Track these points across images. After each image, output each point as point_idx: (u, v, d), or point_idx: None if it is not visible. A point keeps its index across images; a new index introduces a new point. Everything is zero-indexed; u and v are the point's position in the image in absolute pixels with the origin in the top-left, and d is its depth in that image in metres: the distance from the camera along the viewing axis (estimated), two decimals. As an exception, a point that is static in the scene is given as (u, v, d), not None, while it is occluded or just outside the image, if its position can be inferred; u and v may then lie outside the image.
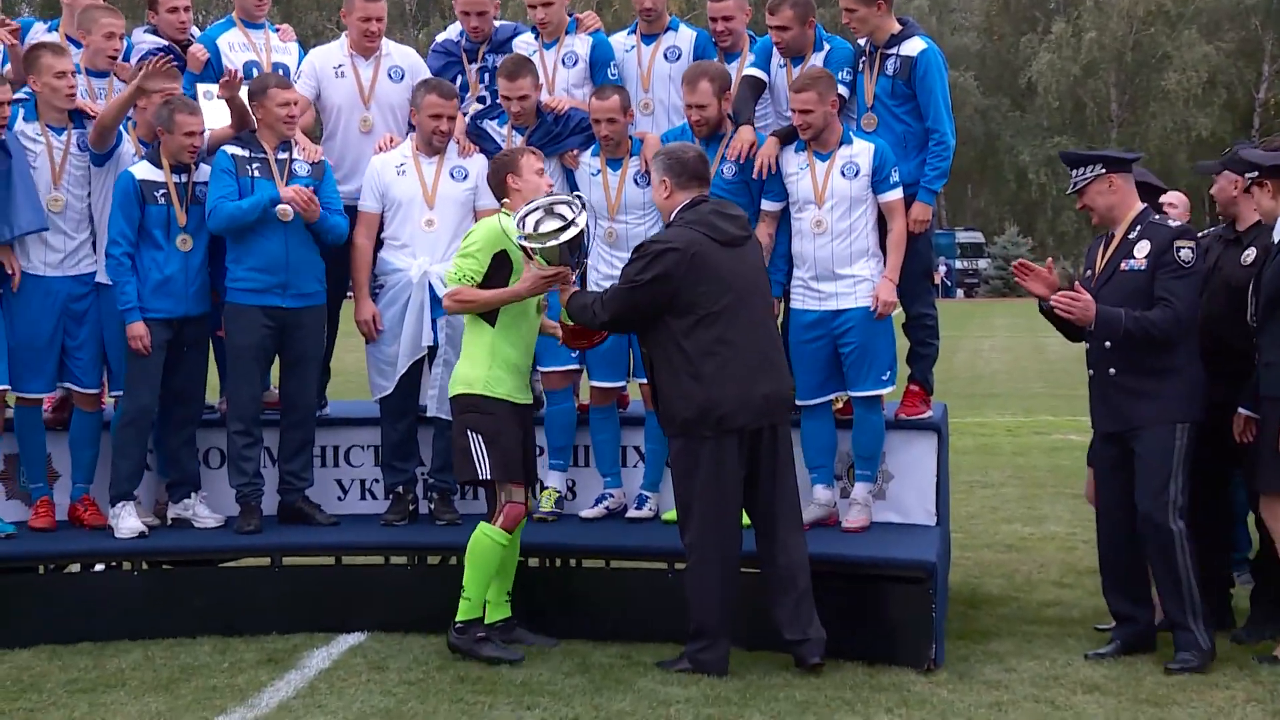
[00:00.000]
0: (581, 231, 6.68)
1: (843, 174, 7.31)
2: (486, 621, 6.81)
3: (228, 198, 7.42)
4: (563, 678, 6.51)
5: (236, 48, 8.18)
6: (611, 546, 7.46)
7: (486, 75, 8.21)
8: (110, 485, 7.52)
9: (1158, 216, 6.74)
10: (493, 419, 6.73)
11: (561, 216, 6.62)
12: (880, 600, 6.82)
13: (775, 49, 7.71)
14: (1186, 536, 6.58)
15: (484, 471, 6.71)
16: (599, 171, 7.70)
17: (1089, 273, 6.86)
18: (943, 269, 52.86)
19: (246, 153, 7.55)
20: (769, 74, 7.77)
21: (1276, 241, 6.64)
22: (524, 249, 6.68)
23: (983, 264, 59.19)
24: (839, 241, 7.32)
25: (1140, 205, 6.73)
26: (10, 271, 7.28)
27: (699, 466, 6.45)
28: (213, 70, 8.04)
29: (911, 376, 7.81)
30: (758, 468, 6.55)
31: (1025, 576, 8.66)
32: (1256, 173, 6.81)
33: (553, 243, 6.58)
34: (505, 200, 6.92)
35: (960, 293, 57.12)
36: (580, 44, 8.14)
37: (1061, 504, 10.57)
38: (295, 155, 7.65)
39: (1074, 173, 6.79)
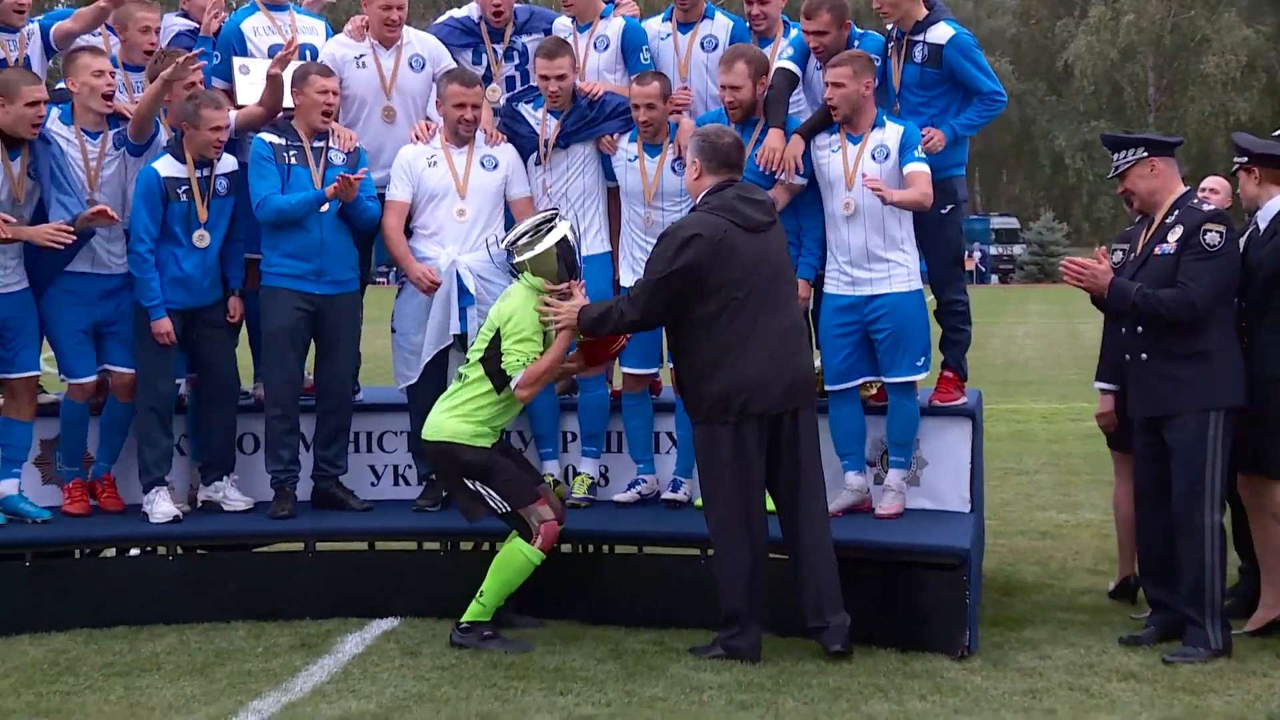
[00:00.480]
0: (570, 246, 6.76)
1: (873, 157, 7.25)
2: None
3: (274, 188, 7.46)
4: (595, 664, 6.52)
5: (261, 31, 8.15)
6: (644, 532, 7.45)
7: (516, 55, 8.18)
8: (140, 473, 7.58)
9: (1196, 200, 6.68)
10: (479, 460, 6.73)
11: (544, 230, 6.78)
12: (914, 587, 6.80)
13: (813, 53, 7.63)
14: (1218, 531, 6.53)
15: (500, 507, 6.72)
16: (636, 157, 7.67)
17: (1130, 254, 6.80)
18: (977, 255, 52.66)
19: (284, 140, 7.57)
20: (804, 70, 7.72)
21: (1264, 227, 6.62)
22: (515, 271, 6.79)
23: (1017, 250, 58.85)
24: (871, 225, 7.27)
25: (1182, 189, 6.66)
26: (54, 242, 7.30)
27: (722, 452, 6.46)
28: (235, 55, 8.05)
29: (945, 363, 7.79)
30: (779, 453, 6.54)
31: (1060, 563, 8.62)
32: (1245, 158, 6.81)
33: (541, 247, 6.70)
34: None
35: (995, 278, 56.84)
36: (612, 28, 8.11)
37: (1097, 491, 10.49)
38: (331, 143, 7.66)
39: (1115, 156, 6.73)
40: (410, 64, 8.09)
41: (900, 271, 7.29)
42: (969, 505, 7.54)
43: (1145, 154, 6.64)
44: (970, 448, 7.59)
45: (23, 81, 7.21)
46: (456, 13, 8.42)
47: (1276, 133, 7.82)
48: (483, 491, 6.70)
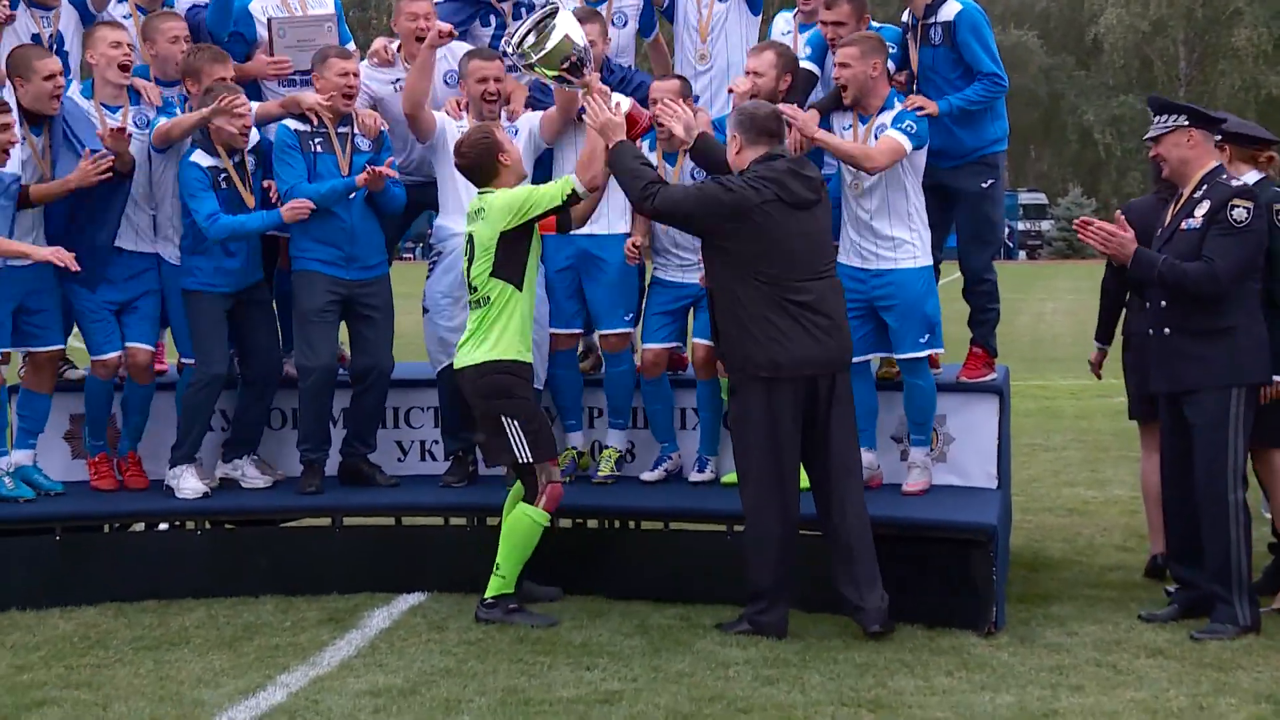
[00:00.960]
0: (575, 36, 6.66)
1: (875, 135, 7.21)
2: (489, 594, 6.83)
3: (301, 177, 7.49)
4: (622, 639, 6.54)
5: (270, 8, 8.09)
6: (671, 508, 7.46)
7: (524, 12, 8.05)
8: (174, 447, 7.62)
9: (1225, 176, 6.60)
10: (524, 401, 6.77)
11: (548, 27, 6.65)
12: (941, 563, 6.80)
13: (829, 45, 7.57)
14: (1242, 507, 6.50)
15: (524, 455, 6.72)
16: (655, 166, 7.61)
17: (1159, 229, 6.73)
18: (1007, 231, 52.39)
19: (308, 128, 7.58)
20: (822, 69, 7.68)
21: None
22: (523, 68, 6.81)
23: (1045, 225, 58.50)
24: (877, 202, 7.24)
25: (1213, 164, 6.59)
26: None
27: (757, 422, 6.47)
28: (243, 40, 8.05)
29: (973, 339, 7.77)
30: (813, 427, 6.54)
31: (1088, 540, 8.60)
32: (1185, 119, 6.64)
33: (551, 44, 6.60)
34: (495, 181, 6.79)
35: (1023, 254, 56.55)
36: (629, 4, 8.09)
37: (1125, 467, 10.45)
38: (356, 129, 7.65)
39: (1156, 119, 6.65)
40: (445, 80, 8.08)
41: (908, 249, 7.28)
42: (996, 482, 7.53)
43: (1186, 123, 6.56)
44: (997, 424, 7.57)
45: (34, 56, 7.27)
46: None
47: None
48: (515, 433, 6.69)
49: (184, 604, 7.16)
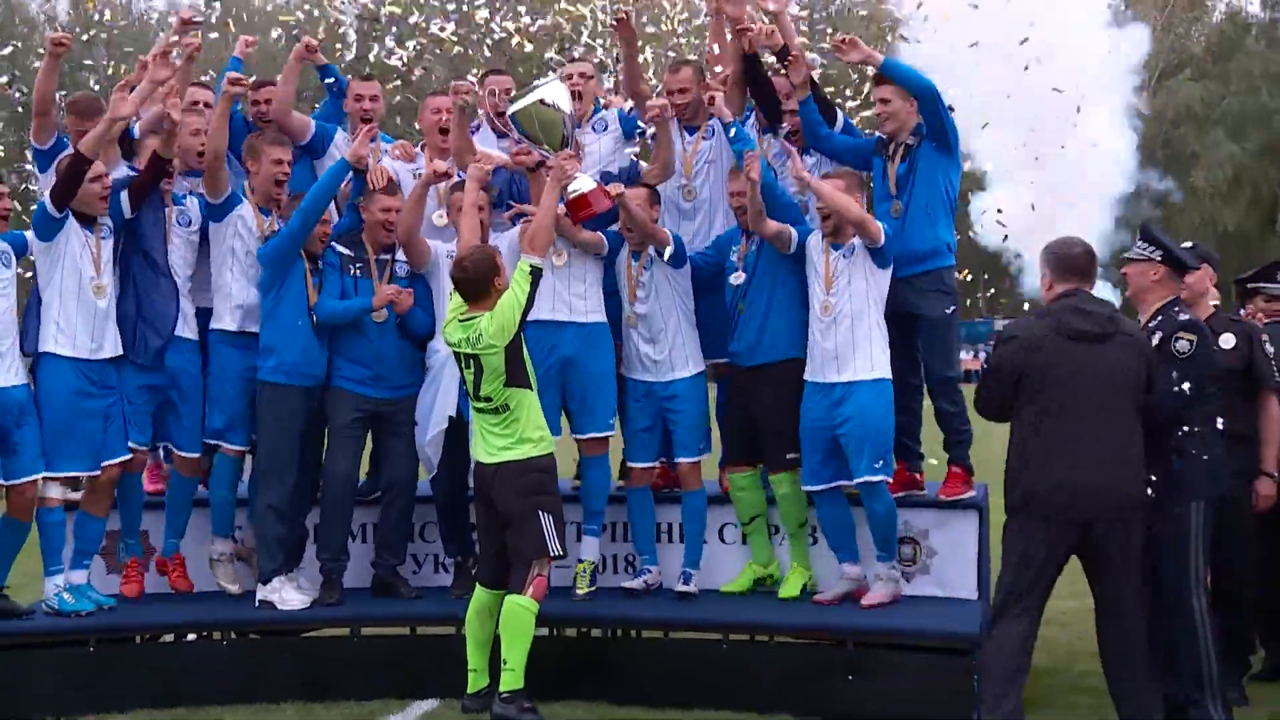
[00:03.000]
0: (551, 104, 6.96)
1: (845, 256, 7.19)
2: (470, 691, 6.79)
3: (333, 294, 7.59)
4: (624, 743, 6.49)
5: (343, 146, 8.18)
6: (671, 619, 7.40)
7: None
8: (260, 561, 7.62)
9: (1177, 309, 6.55)
10: (556, 496, 6.76)
11: (544, 99, 6.98)
12: (926, 669, 6.76)
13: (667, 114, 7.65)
14: (1207, 613, 6.47)
15: (555, 549, 6.67)
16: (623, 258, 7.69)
17: None
18: (981, 355, 52.50)
19: (352, 253, 7.69)
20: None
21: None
22: (521, 136, 7.10)
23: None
24: (843, 329, 7.14)
25: (1170, 298, 6.57)
26: None
27: (1012, 544, 6.20)
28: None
29: (951, 459, 7.72)
30: (1093, 566, 6.23)
31: (1066, 648, 8.52)
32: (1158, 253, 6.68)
33: (525, 101, 7.00)
34: (485, 302, 6.74)
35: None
36: (609, 113, 8.15)
37: (1099, 579, 10.39)
38: (399, 257, 7.74)
39: (1137, 245, 6.66)
40: (433, 219, 8.11)
41: (870, 376, 7.14)
42: (977, 593, 7.48)
43: (1159, 259, 6.57)
44: (978, 538, 7.54)
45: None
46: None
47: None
48: (548, 528, 6.65)
49: (210, 711, 7.10)
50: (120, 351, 7.34)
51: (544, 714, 6.71)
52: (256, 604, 7.53)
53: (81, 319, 7.18)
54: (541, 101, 7.03)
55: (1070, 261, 6.30)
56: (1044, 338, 6.10)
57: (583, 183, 7.08)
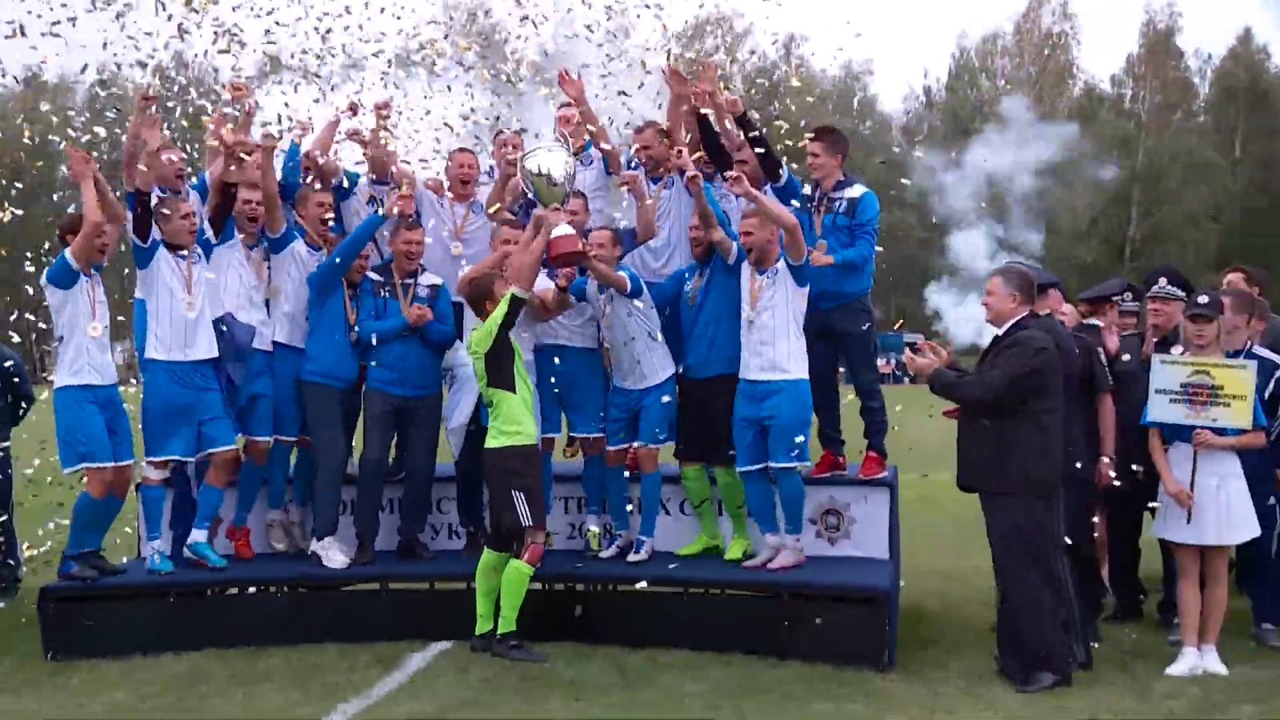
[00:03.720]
0: (542, 171, 6.97)
1: (769, 279, 7.06)
2: (476, 633, 6.87)
3: (370, 314, 7.61)
4: (603, 676, 6.48)
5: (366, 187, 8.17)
6: (653, 575, 7.23)
7: None
8: (315, 525, 7.66)
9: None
10: (530, 477, 6.78)
11: (551, 177, 6.97)
12: (848, 616, 6.74)
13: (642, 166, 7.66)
14: (1068, 570, 6.39)
15: (525, 519, 6.71)
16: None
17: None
18: (893, 361, 52.77)
19: (382, 279, 7.71)
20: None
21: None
22: (534, 185, 7.01)
23: (922, 359, 58.90)
24: (763, 339, 7.04)
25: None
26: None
27: (1033, 525, 6.19)
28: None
29: (869, 446, 7.72)
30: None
31: (956, 598, 8.57)
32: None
33: (528, 159, 6.97)
34: (480, 316, 6.86)
35: (907, 379, 56.81)
36: (595, 151, 8.10)
37: (983, 541, 10.41)
38: (421, 280, 7.73)
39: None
40: (473, 210, 8.14)
41: (788, 377, 7.01)
42: (888, 554, 7.49)
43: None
44: (889, 510, 7.55)
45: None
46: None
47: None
48: (519, 505, 6.70)
49: (267, 650, 7.06)
50: (213, 354, 7.28)
51: (540, 653, 6.73)
52: (310, 555, 7.54)
53: (173, 330, 7.16)
54: (548, 178, 6.99)
55: (1032, 287, 6.40)
56: (1055, 347, 6.21)
57: (562, 230, 6.98)
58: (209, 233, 7.42)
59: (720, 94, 7.57)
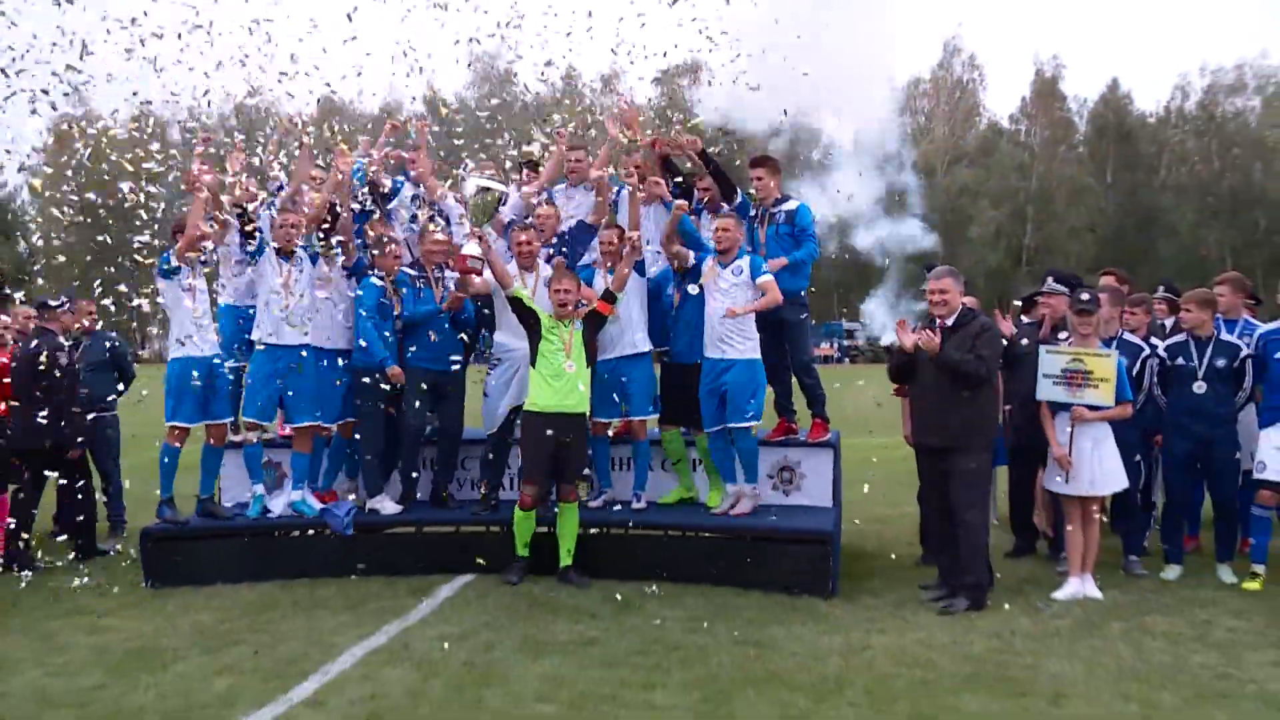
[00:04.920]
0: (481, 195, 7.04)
1: (734, 274, 6.96)
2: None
3: (410, 302, 7.44)
4: (599, 603, 6.40)
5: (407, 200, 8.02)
6: (654, 520, 7.15)
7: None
8: (368, 484, 7.50)
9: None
10: (525, 437, 6.76)
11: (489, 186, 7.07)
12: (799, 553, 6.68)
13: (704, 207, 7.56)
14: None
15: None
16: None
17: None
18: (836, 346, 52.74)
19: (416, 272, 7.54)
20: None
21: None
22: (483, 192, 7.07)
23: (860, 342, 58.87)
24: (726, 322, 6.89)
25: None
26: None
27: (983, 467, 6.27)
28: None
29: (813, 413, 7.64)
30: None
31: (889, 539, 8.50)
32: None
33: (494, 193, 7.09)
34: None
35: (846, 360, 56.79)
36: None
37: (911, 493, 10.36)
38: (449, 272, 7.57)
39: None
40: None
41: (741, 355, 6.89)
42: (832, 503, 7.43)
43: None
44: (833, 467, 7.48)
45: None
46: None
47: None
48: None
49: (324, 581, 6.98)
50: (301, 341, 7.18)
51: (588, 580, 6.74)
52: (367, 510, 7.39)
53: (270, 321, 7.13)
54: (484, 194, 7.07)
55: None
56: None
57: (469, 248, 7.01)
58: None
59: (681, 137, 7.51)
